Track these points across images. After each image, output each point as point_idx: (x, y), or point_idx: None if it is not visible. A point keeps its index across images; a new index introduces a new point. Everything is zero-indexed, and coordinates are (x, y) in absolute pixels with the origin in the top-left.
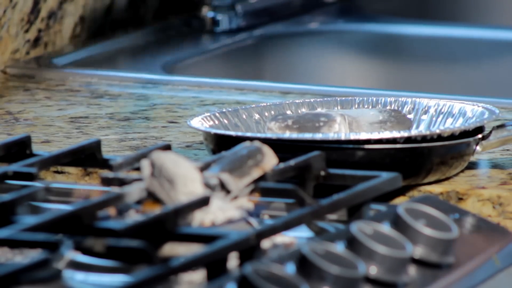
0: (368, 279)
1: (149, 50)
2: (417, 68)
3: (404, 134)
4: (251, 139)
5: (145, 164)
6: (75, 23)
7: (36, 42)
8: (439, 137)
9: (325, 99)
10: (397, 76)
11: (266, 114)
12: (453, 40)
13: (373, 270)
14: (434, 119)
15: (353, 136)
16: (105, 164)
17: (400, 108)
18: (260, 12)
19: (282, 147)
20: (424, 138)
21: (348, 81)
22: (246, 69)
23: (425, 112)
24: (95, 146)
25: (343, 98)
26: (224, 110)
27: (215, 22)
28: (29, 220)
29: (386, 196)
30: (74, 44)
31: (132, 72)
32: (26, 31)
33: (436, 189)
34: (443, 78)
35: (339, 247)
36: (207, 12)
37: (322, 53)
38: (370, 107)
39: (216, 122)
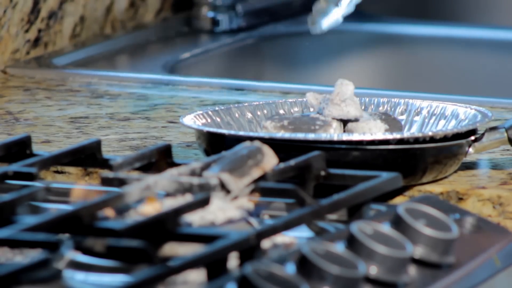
0: (368, 279)
1: (149, 50)
2: (417, 68)
3: (397, 136)
4: (251, 138)
5: None
6: (75, 23)
7: (36, 42)
8: (433, 139)
9: None
10: (397, 76)
11: (259, 113)
12: (453, 40)
13: (373, 270)
14: (426, 120)
15: (354, 137)
16: (105, 164)
17: (392, 109)
18: (260, 12)
19: (282, 147)
20: (416, 140)
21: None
22: (246, 69)
23: (418, 114)
24: (95, 146)
25: None
26: (216, 108)
27: (215, 22)
28: (29, 220)
29: (386, 196)
30: (74, 44)
31: (132, 72)
32: (26, 31)
33: (436, 189)
34: (443, 78)
35: (339, 247)
36: (207, 12)
37: (322, 53)
38: (363, 107)
39: (209, 120)
